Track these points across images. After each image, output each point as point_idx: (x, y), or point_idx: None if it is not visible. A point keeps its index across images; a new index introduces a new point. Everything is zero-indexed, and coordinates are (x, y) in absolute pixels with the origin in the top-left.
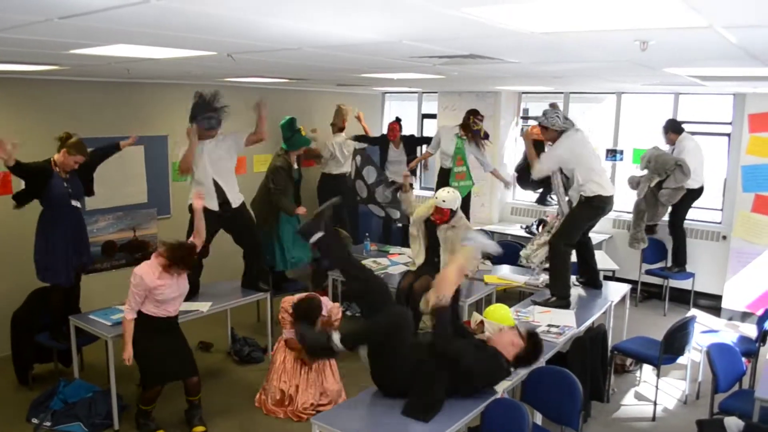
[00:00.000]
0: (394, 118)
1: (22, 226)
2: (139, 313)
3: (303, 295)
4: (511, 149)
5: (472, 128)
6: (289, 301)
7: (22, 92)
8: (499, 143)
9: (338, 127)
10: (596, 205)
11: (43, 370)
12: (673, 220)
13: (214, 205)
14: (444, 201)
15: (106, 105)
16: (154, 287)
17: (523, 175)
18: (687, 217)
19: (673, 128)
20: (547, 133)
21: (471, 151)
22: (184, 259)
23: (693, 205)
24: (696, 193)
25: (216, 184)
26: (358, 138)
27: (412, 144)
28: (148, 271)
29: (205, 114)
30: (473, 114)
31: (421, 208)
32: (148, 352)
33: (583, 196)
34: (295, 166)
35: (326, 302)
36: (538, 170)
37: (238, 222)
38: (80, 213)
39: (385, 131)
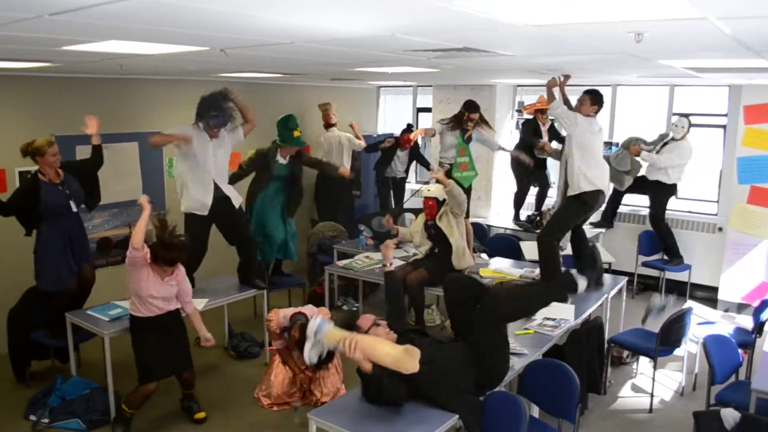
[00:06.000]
0: (405, 126)
1: (17, 224)
2: (132, 316)
3: (291, 310)
4: (506, 141)
5: (464, 126)
6: (275, 314)
7: (12, 89)
8: (495, 136)
9: (326, 125)
10: (583, 201)
11: (40, 367)
12: (652, 214)
13: (204, 209)
14: (429, 190)
15: (99, 101)
16: (142, 275)
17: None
18: (682, 209)
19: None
20: (583, 107)
21: (476, 138)
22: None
23: (690, 197)
24: (671, 189)
25: (216, 186)
26: (370, 147)
27: (414, 151)
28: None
29: (212, 112)
30: (468, 111)
31: (415, 224)
32: (143, 350)
33: (569, 193)
34: (283, 161)
35: (310, 309)
36: (554, 107)
37: (227, 219)
38: (79, 216)
39: (381, 126)
